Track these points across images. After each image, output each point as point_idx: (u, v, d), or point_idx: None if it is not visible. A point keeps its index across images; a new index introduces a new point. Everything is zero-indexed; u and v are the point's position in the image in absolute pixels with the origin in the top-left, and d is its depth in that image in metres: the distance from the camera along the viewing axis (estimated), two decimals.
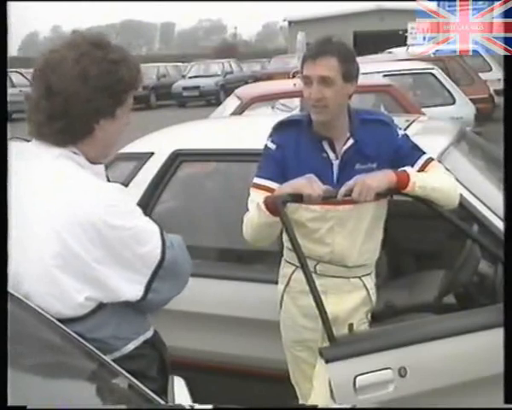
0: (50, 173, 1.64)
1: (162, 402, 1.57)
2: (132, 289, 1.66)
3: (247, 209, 2.47)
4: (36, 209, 1.61)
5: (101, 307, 1.64)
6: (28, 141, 1.74)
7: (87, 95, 1.63)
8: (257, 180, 2.49)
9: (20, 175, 1.65)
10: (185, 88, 25.07)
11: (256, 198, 2.42)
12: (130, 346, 1.69)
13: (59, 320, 1.60)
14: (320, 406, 2.27)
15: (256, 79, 24.02)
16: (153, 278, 1.67)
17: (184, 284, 1.82)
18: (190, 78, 26.36)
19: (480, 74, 11.70)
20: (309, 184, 2.29)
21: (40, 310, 1.60)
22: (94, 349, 1.58)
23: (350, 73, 2.40)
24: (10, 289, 1.60)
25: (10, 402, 1.27)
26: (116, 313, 1.67)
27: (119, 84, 1.68)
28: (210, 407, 1.56)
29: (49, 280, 1.59)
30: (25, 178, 1.65)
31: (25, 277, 1.60)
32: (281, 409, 2.64)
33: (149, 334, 1.77)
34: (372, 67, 8.17)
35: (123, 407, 1.53)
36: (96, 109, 1.66)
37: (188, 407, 1.52)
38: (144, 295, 1.67)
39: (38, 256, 1.59)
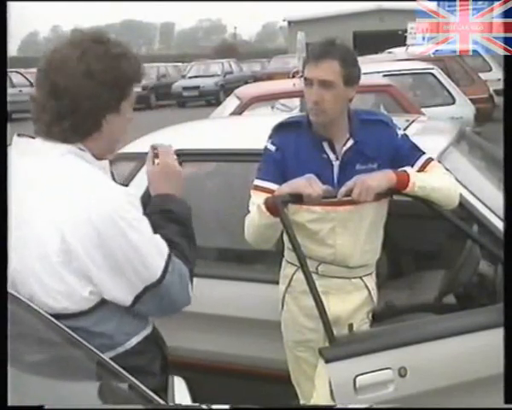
0: (56, 171, 1.65)
1: (162, 402, 1.57)
2: (122, 295, 1.66)
3: (248, 211, 2.47)
4: (41, 207, 1.62)
5: (104, 301, 1.66)
6: (33, 138, 1.74)
7: (93, 91, 1.66)
8: (257, 182, 2.49)
9: (24, 172, 1.67)
10: (185, 88, 25.08)
11: (257, 200, 2.42)
12: (133, 341, 1.71)
13: (65, 316, 1.61)
14: (321, 405, 2.27)
15: (256, 79, 24.04)
16: (143, 293, 1.67)
17: (172, 311, 1.79)
18: (190, 78, 26.36)
19: (480, 74, 11.69)
20: (309, 183, 2.29)
21: (40, 310, 1.60)
22: (94, 349, 1.58)
23: (351, 78, 2.40)
24: (14, 287, 1.61)
25: (10, 402, 1.27)
26: (119, 307, 1.68)
27: (123, 77, 1.71)
28: (227, 407, 1.56)
29: (55, 277, 1.61)
30: (30, 175, 1.67)
31: (30, 274, 1.62)
32: (285, 409, 2.63)
33: (149, 329, 1.78)
34: (372, 67, 8.16)
35: (123, 407, 1.53)
36: (102, 104, 1.68)
37: (205, 407, 1.52)
38: (132, 305, 1.68)
39: (43, 253, 1.60)
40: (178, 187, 1.89)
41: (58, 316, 1.61)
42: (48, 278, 1.61)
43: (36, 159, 1.68)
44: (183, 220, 1.83)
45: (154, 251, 1.66)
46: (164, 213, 1.79)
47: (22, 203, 1.63)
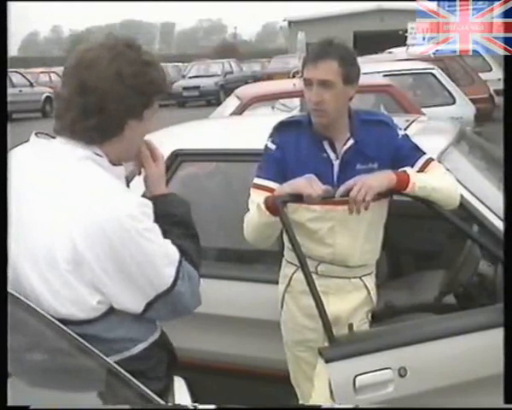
0: (72, 176, 1.64)
1: (162, 402, 1.57)
2: (133, 304, 1.66)
3: (248, 210, 2.47)
4: (53, 211, 1.61)
5: (112, 309, 1.65)
6: (52, 137, 1.73)
7: (121, 93, 1.66)
8: (257, 181, 2.49)
9: (39, 174, 1.66)
10: (185, 88, 25.05)
11: (256, 199, 2.42)
12: (140, 346, 1.70)
13: (72, 322, 1.60)
14: (322, 405, 2.27)
15: (256, 79, 24.07)
16: (155, 300, 1.66)
17: (184, 315, 1.79)
18: (190, 78, 26.36)
19: (480, 74, 11.69)
20: (309, 183, 2.29)
21: (41, 311, 1.60)
22: (94, 349, 1.58)
23: (350, 77, 2.41)
24: (20, 287, 1.62)
25: (10, 402, 1.27)
26: (128, 315, 1.67)
27: (150, 85, 1.71)
28: (213, 407, 1.56)
29: (63, 283, 1.60)
30: (44, 177, 1.66)
31: (38, 276, 1.61)
32: (284, 409, 2.63)
33: (157, 335, 1.77)
34: (372, 67, 8.16)
35: (123, 407, 1.53)
36: (127, 108, 1.68)
37: (191, 407, 1.52)
38: (143, 312, 1.68)
39: (53, 259, 1.60)
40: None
41: (64, 321, 1.60)
42: (56, 283, 1.60)
43: (52, 161, 1.67)
44: (186, 221, 1.84)
45: (165, 260, 1.66)
46: (169, 217, 1.79)
47: (34, 205, 1.63)
